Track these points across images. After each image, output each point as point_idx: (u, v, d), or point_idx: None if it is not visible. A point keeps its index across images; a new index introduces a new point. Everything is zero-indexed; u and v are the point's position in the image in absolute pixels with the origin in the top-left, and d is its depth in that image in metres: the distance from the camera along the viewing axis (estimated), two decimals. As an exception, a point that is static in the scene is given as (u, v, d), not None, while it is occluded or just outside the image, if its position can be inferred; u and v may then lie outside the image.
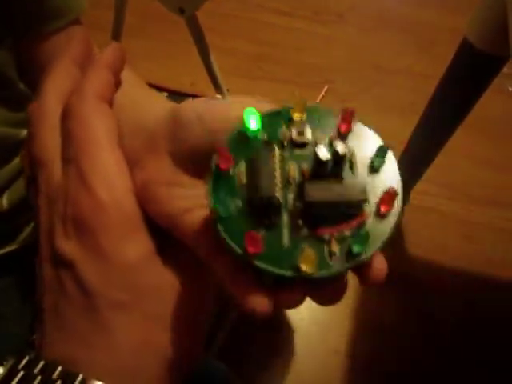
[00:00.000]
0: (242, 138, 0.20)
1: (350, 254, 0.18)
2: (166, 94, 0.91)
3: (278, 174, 0.19)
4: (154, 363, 0.22)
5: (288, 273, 0.18)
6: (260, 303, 0.18)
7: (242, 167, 0.20)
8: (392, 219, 0.19)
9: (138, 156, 0.24)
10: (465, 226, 1.12)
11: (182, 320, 0.23)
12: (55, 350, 0.21)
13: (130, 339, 0.21)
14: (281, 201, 0.19)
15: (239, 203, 0.19)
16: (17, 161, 0.40)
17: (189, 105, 0.23)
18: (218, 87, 0.84)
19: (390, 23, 1.67)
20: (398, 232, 1.10)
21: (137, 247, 0.22)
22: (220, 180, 0.20)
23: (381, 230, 0.19)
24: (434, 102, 0.83)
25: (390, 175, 0.20)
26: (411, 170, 1.02)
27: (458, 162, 1.22)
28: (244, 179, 0.20)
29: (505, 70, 0.72)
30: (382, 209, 0.19)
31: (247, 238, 0.18)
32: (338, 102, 1.38)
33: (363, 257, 0.18)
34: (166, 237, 0.23)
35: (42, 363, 0.20)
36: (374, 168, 0.20)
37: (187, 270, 0.23)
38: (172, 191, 0.23)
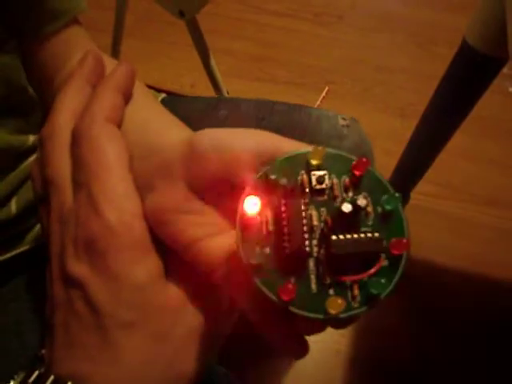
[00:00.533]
0: (266, 183, 0.21)
1: (369, 296, 0.20)
2: (164, 94, 0.92)
3: (303, 222, 0.20)
4: (159, 381, 0.22)
5: (319, 316, 0.20)
6: (301, 351, 0.21)
7: (269, 214, 0.21)
8: (403, 261, 0.21)
9: (148, 179, 0.24)
10: (465, 225, 1.12)
11: (189, 339, 0.23)
12: (64, 366, 0.22)
13: (137, 357, 0.22)
14: (307, 250, 0.20)
15: (267, 251, 0.20)
16: (24, 166, 0.40)
17: (206, 135, 0.23)
18: (218, 89, 0.84)
19: (390, 23, 1.67)
20: None
21: (146, 268, 0.22)
22: (248, 227, 0.20)
23: (393, 271, 0.21)
24: (434, 103, 0.83)
25: (398, 221, 0.21)
26: (412, 170, 1.02)
27: (458, 161, 1.22)
28: (271, 226, 0.20)
29: (504, 70, 0.72)
30: (394, 252, 0.20)
31: (281, 287, 0.19)
32: (338, 102, 1.39)
33: (381, 296, 0.20)
34: (168, 255, 0.23)
35: (51, 378, 0.21)
36: (384, 215, 0.21)
37: (191, 288, 0.24)
38: (186, 218, 0.23)
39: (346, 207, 0.20)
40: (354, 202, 0.20)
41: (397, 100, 1.40)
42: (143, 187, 0.24)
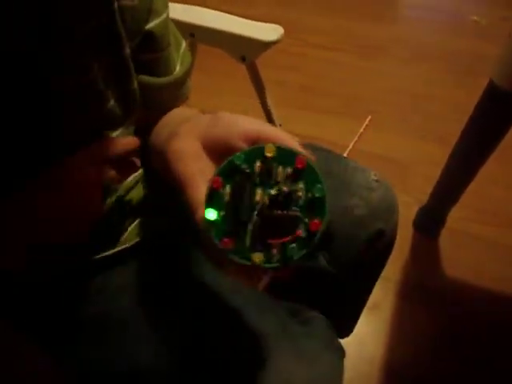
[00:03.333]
0: (232, 166, 0.32)
1: (284, 256, 0.31)
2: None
3: (249, 197, 0.31)
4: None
5: (246, 263, 0.31)
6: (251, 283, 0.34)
7: (228, 189, 0.32)
8: (318, 235, 0.30)
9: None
10: (498, 249, 1.16)
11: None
12: None
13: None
14: (248, 219, 0.31)
15: (222, 213, 0.31)
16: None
17: (227, 114, 0.36)
18: (271, 121, 0.96)
19: (429, 53, 1.75)
20: (434, 254, 1.17)
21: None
22: (213, 196, 0.32)
23: (308, 242, 0.30)
24: (466, 133, 0.91)
25: (322, 206, 0.31)
26: (447, 196, 1.09)
27: (490, 187, 1.27)
28: (228, 198, 0.32)
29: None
30: (311, 229, 0.30)
31: (224, 240, 0.31)
32: (380, 131, 1.47)
33: (294, 258, 0.30)
34: None
35: None
36: (313, 200, 0.31)
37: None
38: (194, 162, 0.35)
39: (273, 191, 0.31)
40: (286, 187, 0.31)
41: (436, 128, 1.46)
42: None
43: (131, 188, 0.52)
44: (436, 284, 1.11)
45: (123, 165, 0.45)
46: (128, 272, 0.52)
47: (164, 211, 0.56)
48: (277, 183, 0.31)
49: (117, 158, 0.43)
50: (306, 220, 0.30)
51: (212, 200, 0.32)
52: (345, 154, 1.35)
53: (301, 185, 0.31)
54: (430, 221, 1.18)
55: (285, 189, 0.31)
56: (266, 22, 0.79)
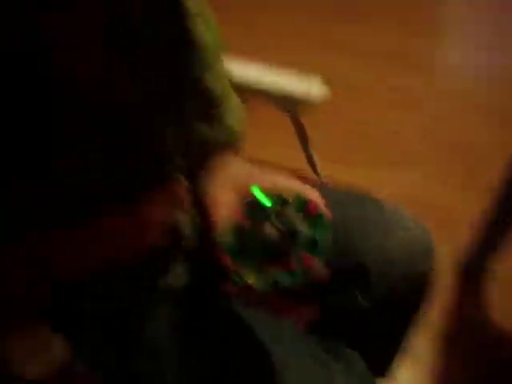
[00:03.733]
0: (255, 203, 0.39)
1: (275, 284, 0.36)
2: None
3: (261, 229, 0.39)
4: None
5: (241, 282, 0.36)
6: None
7: (247, 219, 0.39)
8: (305, 272, 0.36)
9: None
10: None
11: None
12: None
13: None
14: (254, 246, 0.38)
15: (235, 238, 0.38)
16: None
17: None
18: (316, 173, 0.98)
19: (469, 102, 1.74)
20: (477, 302, 1.14)
21: None
22: (234, 224, 0.39)
23: (299, 275, 0.36)
24: (508, 180, 0.90)
25: (320, 246, 0.36)
26: (490, 244, 1.08)
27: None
28: (244, 226, 0.39)
29: None
30: (304, 263, 0.36)
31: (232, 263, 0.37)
32: (422, 177, 1.47)
33: (282, 285, 0.36)
34: None
35: None
36: (314, 240, 0.37)
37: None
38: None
39: (281, 227, 0.37)
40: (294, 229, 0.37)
41: (482, 177, 1.43)
42: None
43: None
44: (478, 332, 1.08)
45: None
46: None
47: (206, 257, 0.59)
48: (287, 222, 0.37)
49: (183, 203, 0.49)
50: (301, 255, 0.36)
51: (234, 230, 0.39)
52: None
53: (307, 227, 0.37)
54: (474, 268, 1.17)
55: (292, 227, 0.37)
56: (315, 71, 0.82)
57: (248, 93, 0.88)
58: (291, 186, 0.40)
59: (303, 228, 0.36)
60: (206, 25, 0.53)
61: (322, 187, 0.62)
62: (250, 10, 2.40)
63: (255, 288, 0.35)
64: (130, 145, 0.45)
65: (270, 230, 0.36)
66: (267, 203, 0.38)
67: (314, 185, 0.51)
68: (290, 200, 0.38)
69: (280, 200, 0.38)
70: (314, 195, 0.40)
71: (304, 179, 0.55)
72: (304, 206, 0.38)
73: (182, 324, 0.54)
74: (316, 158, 0.97)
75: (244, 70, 0.88)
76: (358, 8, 2.41)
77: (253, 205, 0.38)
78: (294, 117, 0.92)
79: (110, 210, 0.46)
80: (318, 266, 0.36)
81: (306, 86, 0.79)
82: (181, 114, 0.50)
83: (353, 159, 1.58)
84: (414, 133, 1.67)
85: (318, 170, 0.98)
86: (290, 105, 0.87)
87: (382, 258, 0.58)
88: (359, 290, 0.61)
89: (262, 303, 0.41)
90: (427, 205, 1.36)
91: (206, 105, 0.53)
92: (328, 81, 0.82)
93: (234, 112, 0.58)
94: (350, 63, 2.02)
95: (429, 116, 1.75)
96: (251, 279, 0.35)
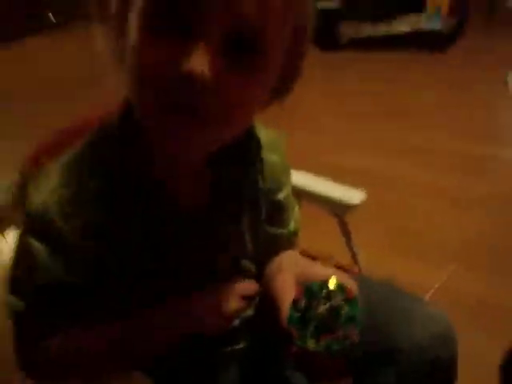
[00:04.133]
0: (308, 289, 0.55)
1: (329, 348, 0.51)
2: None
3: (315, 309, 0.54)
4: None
5: (303, 346, 0.52)
6: None
7: (304, 302, 0.54)
8: (347, 342, 0.52)
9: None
10: None
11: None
12: None
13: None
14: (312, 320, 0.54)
15: (297, 315, 0.54)
16: None
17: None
18: (356, 263, 1.13)
19: None
20: None
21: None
22: (295, 304, 0.55)
23: (342, 343, 0.51)
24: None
25: (357, 322, 0.52)
26: None
27: None
28: (303, 307, 0.55)
29: None
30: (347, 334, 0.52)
31: (295, 331, 0.53)
32: (468, 271, 1.56)
33: (333, 349, 0.51)
34: None
35: None
36: (351, 317, 0.52)
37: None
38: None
39: (327, 306, 0.53)
40: (338, 308, 0.52)
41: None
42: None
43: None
44: None
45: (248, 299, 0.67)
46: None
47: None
48: (332, 303, 0.53)
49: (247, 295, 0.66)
50: (345, 328, 0.51)
51: (294, 306, 0.54)
52: (428, 296, 1.44)
53: (346, 307, 0.52)
54: None
55: (337, 307, 0.53)
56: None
57: (301, 197, 1.08)
58: (335, 275, 0.55)
59: (344, 308, 0.51)
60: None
61: (358, 277, 0.78)
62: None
63: (313, 349, 0.50)
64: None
65: (320, 309, 0.51)
66: (317, 288, 0.53)
67: (352, 275, 0.66)
68: (333, 286, 0.53)
69: (326, 286, 0.53)
70: (351, 283, 0.55)
71: (345, 270, 0.71)
72: (344, 291, 0.53)
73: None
74: (358, 252, 1.13)
75: (297, 178, 1.09)
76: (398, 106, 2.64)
77: (307, 288, 0.54)
78: (338, 217, 1.10)
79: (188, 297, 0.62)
80: (356, 335, 0.51)
81: (347, 195, 0.99)
82: (256, 222, 0.68)
83: (393, 251, 1.70)
84: (461, 230, 1.76)
85: (359, 262, 1.14)
86: (334, 208, 1.06)
87: (409, 343, 0.67)
88: (388, 371, 0.69)
89: (315, 365, 0.55)
90: (473, 297, 1.42)
91: (277, 212, 0.72)
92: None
93: (295, 214, 0.76)
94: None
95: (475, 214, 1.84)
96: (311, 344, 0.50)
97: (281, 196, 0.72)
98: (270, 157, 0.69)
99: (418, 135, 2.39)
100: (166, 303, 0.61)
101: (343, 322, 0.51)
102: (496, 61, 3.05)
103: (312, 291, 0.54)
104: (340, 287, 0.53)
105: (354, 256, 1.12)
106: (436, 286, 1.50)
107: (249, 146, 0.65)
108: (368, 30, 3.67)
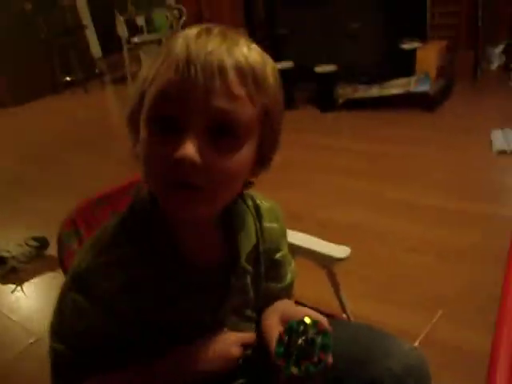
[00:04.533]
0: (290, 327, 0.70)
1: (308, 371, 0.66)
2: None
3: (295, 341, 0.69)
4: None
5: (289, 373, 0.67)
6: None
7: (286, 337, 0.69)
8: (322, 363, 0.67)
9: None
10: None
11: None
12: None
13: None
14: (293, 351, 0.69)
15: (282, 349, 0.69)
16: None
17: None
18: (345, 312, 1.27)
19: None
20: None
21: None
22: (279, 340, 0.70)
23: (318, 366, 0.66)
24: None
25: (329, 348, 0.67)
26: None
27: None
28: (286, 341, 0.70)
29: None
30: (321, 358, 0.66)
31: (281, 360, 0.68)
32: (453, 323, 1.66)
33: (312, 372, 0.66)
34: None
35: None
36: (324, 345, 0.67)
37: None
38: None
39: (305, 338, 0.67)
40: (313, 339, 0.67)
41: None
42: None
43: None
44: None
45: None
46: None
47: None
48: (307, 335, 0.67)
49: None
50: (319, 353, 0.65)
51: (279, 342, 0.69)
52: (416, 343, 1.55)
53: (319, 337, 0.67)
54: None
55: (311, 338, 0.67)
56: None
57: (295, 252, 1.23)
58: (309, 313, 0.70)
59: (318, 338, 0.65)
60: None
61: (340, 321, 0.92)
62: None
63: (296, 374, 0.64)
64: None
65: (300, 341, 0.65)
66: (295, 325, 0.67)
67: (333, 318, 0.80)
68: (309, 322, 0.67)
69: (303, 323, 0.66)
70: (322, 318, 0.69)
71: (330, 315, 0.85)
72: (317, 325, 0.67)
73: None
74: (346, 301, 1.28)
75: (291, 237, 1.25)
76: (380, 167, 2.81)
77: (288, 326, 0.68)
78: (327, 269, 1.25)
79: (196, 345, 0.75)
80: (329, 358, 0.65)
81: (334, 251, 1.15)
82: (258, 277, 0.83)
83: (383, 299, 1.82)
84: (448, 282, 1.87)
85: (347, 311, 1.28)
86: (323, 261, 1.21)
87: (386, 374, 0.77)
88: None
89: None
90: (457, 350, 1.51)
91: (276, 268, 0.87)
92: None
93: (291, 268, 0.91)
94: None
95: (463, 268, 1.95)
96: (294, 370, 0.64)
97: (279, 255, 0.88)
98: (270, 224, 0.85)
99: (408, 191, 2.56)
100: (175, 350, 0.74)
101: (318, 349, 0.65)
102: (481, 120, 3.27)
103: (292, 328, 0.68)
104: (314, 322, 0.68)
105: (342, 304, 1.26)
106: (422, 335, 1.61)
107: (247, 211, 0.82)
108: (362, 91, 3.94)
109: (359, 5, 4.04)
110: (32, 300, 2.25)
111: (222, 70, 0.58)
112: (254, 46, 0.65)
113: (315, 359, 0.65)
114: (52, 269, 2.42)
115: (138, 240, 0.73)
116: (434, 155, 2.94)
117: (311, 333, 0.67)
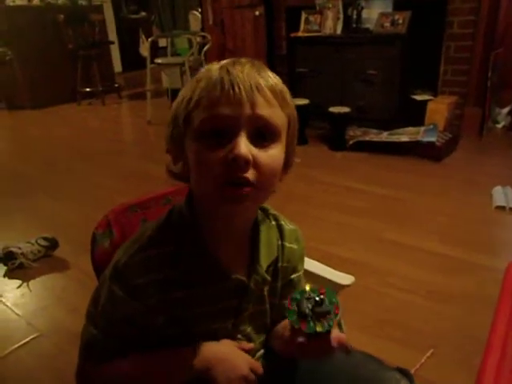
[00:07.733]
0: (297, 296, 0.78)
1: (330, 325, 0.73)
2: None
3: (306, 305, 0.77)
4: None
5: (313, 330, 0.72)
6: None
7: (295, 305, 0.77)
8: (338, 316, 0.75)
9: None
10: None
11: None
12: None
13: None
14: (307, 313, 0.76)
15: (295, 316, 0.76)
16: None
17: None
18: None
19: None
20: None
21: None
22: (289, 310, 0.77)
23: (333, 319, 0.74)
24: None
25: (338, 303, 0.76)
26: None
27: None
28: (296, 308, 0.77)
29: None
30: (335, 312, 0.75)
31: (302, 325, 0.75)
32: (440, 365, 1.73)
33: (331, 325, 0.74)
34: None
35: None
36: (332, 302, 0.76)
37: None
38: None
39: (313, 301, 0.75)
40: (321, 299, 0.75)
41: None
42: None
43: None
44: None
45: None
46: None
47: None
48: (314, 299, 0.75)
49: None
50: (333, 309, 0.73)
51: (289, 312, 0.75)
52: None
53: (326, 297, 0.75)
54: None
55: (320, 299, 0.75)
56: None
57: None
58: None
59: (324, 298, 0.74)
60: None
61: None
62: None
63: (320, 331, 0.70)
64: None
65: (310, 306, 0.74)
66: (299, 295, 0.75)
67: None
68: (309, 289, 0.76)
69: (305, 291, 0.76)
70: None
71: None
72: (317, 290, 0.75)
73: None
74: (345, 328, 1.35)
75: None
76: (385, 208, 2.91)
77: (293, 298, 0.76)
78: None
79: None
80: (339, 309, 0.72)
81: (340, 278, 1.24)
82: (274, 293, 0.93)
83: (376, 333, 1.88)
84: (436, 322, 1.93)
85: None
86: (330, 286, 1.30)
87: None
88: None
89: (321, 345, 0.74)
90: None
91: (289, 288, 0.94)
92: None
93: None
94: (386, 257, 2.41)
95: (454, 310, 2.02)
96: (319, 328, 0.70)
97: (294, 276, 0.96)
98: (291, 245, 0.94)
99: (407, 234, 2.65)
100: (184, 350, 0.82)
101: (328, 305, 0.73)
102: (484, 175, 3.40)
103: (297, 298, 0.75)
104: (313, 289, 0.76)
105: (341, 330, 1.35)
106: (413, 370, 1.68)
107: (272, 228, 0.92)
108: (372, 135, 4.09)
109: (379, 54, 4.24)
110: (37, 297, 2.31)
111: (259, 87, 0.72)
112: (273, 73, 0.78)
113: (331, 315, 0.72)
114: (58, 270, 2.50)
115: (172, 243, 0.83)
116: (436, 203, 3.05)
117: (316, 295, 0.75)
